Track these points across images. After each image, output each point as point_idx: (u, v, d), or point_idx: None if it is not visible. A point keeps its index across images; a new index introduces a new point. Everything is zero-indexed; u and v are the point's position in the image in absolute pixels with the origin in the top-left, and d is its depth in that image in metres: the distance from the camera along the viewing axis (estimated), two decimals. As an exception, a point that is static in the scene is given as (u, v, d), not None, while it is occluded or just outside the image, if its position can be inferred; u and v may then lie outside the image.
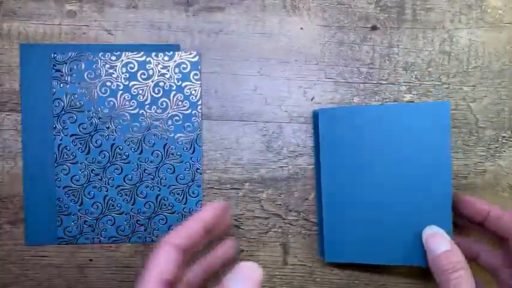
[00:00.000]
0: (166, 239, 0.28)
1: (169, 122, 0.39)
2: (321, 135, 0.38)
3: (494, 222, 0.34)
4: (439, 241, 0.33)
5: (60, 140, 0.39)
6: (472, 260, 0.36)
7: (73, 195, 0.39)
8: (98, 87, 0.39)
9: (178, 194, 0.39)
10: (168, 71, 0.39)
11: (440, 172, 0.36)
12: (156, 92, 0.39)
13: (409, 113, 0.36)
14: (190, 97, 0.39)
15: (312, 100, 0.40)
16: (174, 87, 0.39)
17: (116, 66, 0.39)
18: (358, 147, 0.37)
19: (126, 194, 0.39)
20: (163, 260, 0.27)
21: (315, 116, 0.39)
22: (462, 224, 0.37)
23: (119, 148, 0.39)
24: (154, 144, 0.39)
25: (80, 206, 0.39)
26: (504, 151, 0.40)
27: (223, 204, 0.31)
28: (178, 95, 0.39)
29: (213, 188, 0.40)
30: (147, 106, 0.39)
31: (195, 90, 0.39)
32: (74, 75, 0.39)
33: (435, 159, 0.36)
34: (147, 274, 0.26)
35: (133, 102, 0.39)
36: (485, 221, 0.34)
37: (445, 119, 0.36)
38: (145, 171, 0.39)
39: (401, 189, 0.36)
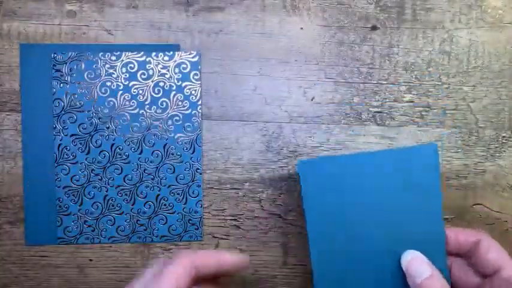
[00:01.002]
0: (186, 254, 0.28)
1: (169, 122, 0.39)
2: (303, 188, 0.35)
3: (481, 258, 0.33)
4: (419, 266, 0.33)
5: (60, 140, 0.39)
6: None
7: (73, 195, 0.39)
8: (98, 87, 0.39)
9: (178, 194, 0.39)
10: (168, 71, 0.39)
11: (432, 214, 0.34)
12: (156, 92, 0.39)
13: (395, 158, 0.34)
14: (190, 97, 0.39)
15: (312, 100, 0.40)
16: (174, 87, 0.39)
17: (116, 66, 0.39)
18: (342, 197, 0.35)
19: (126, 194, 0.39)
20: (180, 272, 0.27)
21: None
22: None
23: (119, 148, 0.39)
24: (154, 144, 0.39)
25: (80, 206, 0.39)
26: (504, 151, 0.40)
27: (245, 260, 0.31)
28: (178, 95, 0.39)
29: (213, 188, 0.40)
30: (147, 106, 0.39)
31: (195, 90, 0.39)
32: (74, 75, 0.39)
33: (425, 201, 0.34)
34: (163, 280, 0.27)
35: (133, 102, 0.39)
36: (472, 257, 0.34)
37: (433, 160, 0.34)
38: (145, 171, 0.39)
39: (392, 237, 0.34)
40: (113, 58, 0.39)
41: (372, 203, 0.34)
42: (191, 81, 0.39)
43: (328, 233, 0.35)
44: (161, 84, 0.39)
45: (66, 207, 0.39)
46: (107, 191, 0.39)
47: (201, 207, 0.40)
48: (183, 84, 0.39)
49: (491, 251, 0.32)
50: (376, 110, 0.40)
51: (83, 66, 0.39)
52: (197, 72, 0.39)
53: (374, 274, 0.35)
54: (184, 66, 0.39)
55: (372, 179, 0.34)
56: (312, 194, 0.35)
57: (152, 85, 0.39)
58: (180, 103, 0.39)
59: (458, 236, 0.34)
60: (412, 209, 0.34)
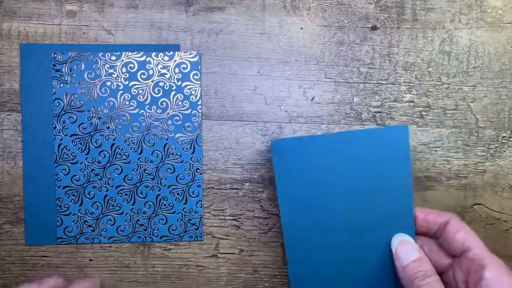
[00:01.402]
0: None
1: (169, 122, 0.39)
2: (275, 168, 0.35)
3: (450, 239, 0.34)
4: (408, 249, 0.33)
5: (60, 140, 0.39)
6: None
7: (73, 195, 0.39)
8: (98, 87, 0.39)
9: (178, 194, 0.39)
10: (168, 71, 0.39)
11: (402, 193, 0.35)
12: (156, 92, 0.39)
13: (366, 139, 0.35)
14: (190, 97, 0.39)
15: (312, 100, 0.40)
16: (174, 87, 0.39)
17: (116, 66, 0.39)
18: (314, 177, 0.35)
19: (126, 194, 0.39)
20: None
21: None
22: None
23: (119, 148, 0.39)
24: (154, 144, 0.39)
25: (80, 206, 0.39)
26: (504, 151, 0.40)
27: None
28: (178, 95, 0.39)
29: (213, 188, 0.40)
30: (147, 106, 0.39)
31: (195, 90, 0.39)
32: (74, 75, 0.39)
33: (396, 180, 0.35)
34: None
35: (133, 102, 0.39)
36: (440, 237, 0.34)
37: (404, 140, 0.34)
38: (146, 171, 0.39)
39: (363, 215, 0.35)
40: (113, 58, 0.39)
41: (343, 182, 0.35)
42: (191, 81, 0.39)
43: (300, 212, 0.35)
44: (161, 84, 0.39)
45: (66, 207, 0.39)
46: (107, 191, 0.39)
47: (201, 207, 0.40)
48: (183, 84, 0.39)
49: (459, 232, 0.33)
50: (376, 110, 0.40)
51: (83, 66, 0.39)
52: (197, 72, 0.39)
53: (344, 252, 0.35)
54: (184, 66, 0.39)
55: (343, 159, 0.35)
56: (283, 173, 0.35)
57: (152, 85, 0.39)
58: (180, 103, 0.39)
59: (428, 216, 0.35)
60: (382, 188, 0.35)
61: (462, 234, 0.33)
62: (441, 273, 0.34)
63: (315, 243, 0.35)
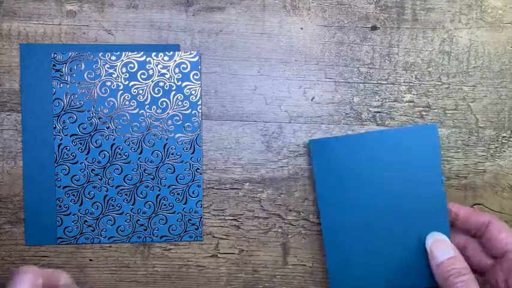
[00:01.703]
0: (27, 269, 0.30)
1: (169, 122, 0.39)
2: (314, 167, 0.38)
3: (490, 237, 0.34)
4: (443, 248, 0.34)
5: (60, 140, 0.39)
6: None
7: (73, 195, 0.39)
8: (98, 87, 0.39)
9: (178, 194, 0.39)
10: (168, 71, 0.39)
11: (434, 192, 0.36)
12: (156, 92, 0.39)
13: (398, 138, 0.37)
14: (190, 97, 0.39)
15: (312, 100, 0.40)
16: (174, 87, 0.39)
17: (116, 66, 0.39)
18: (352, 175, 0.37)
19: (126, 194, 0.39)
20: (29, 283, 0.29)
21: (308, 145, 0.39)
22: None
23: (119, 148, 0.39)
24: (154, 144, 0.39)
25: (80, 206, 0.39)
26: (504, 151, 0.40)
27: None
28: (178, 95, 0.39)
29: (213, 188, 0.40)
30: (147, 106, 0.39)
31: (195, 90, 0.39)
32: (74, 75, 0.39)
33: (428, 183, 0.36)
34: None
35: (133, 102, 0.39)
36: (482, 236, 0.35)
37: (433, 140, 0.37)
38: (146, 171, 0.39)
39: (398, 214, 0.37)
40: (113, 58, 0.39)
41: (377, 180, 0.37)
42: (191, 81, 0.39)
43: (337, 209, 0.37)
44: (161, 84, 0.39)
45: (66, 207, 0.39)
46: (107, 191, 0.39)
47: (201, 207, 0.40)
48: (183, 84, 0.39)
49: (502, 232, 0.33)
50: (376, 110, 0.40)
51: (83, 66, 0.39)
52: (197, 72, 0.39)
53: (380, 248, 0.37)
54: (184, 66, 0.39)
55: (377, 157, 0.37)
56: (322, 172, 0.37)
57: (152, 85, 0.39)
58: (180, 103, 0.39)
59: (469, 214, 0.35)
60: (415, 186, 0.37)
61: (505, 235, 0.33)
62: (483, 274, 0.34)
63: (352, 240, 0.37)
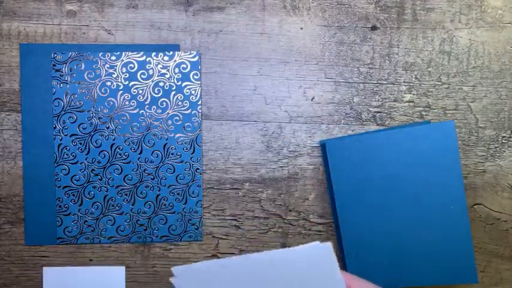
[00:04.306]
0: None
1: (169, 122, 0.39)
2: (331, 166, 0.37)
3: None
4: None
5: (60, 140, 0.39)
6: None
7: (73, 195, 0.39)
8: (97, 87, 0.39)
9: (178, 194, 0.39)
10: (168, 71, 0.39)
11: (454, 188, 0.37)
12: (156, 92, 0.39)
13: (415, 135, 0.37)
14: (190, 97, 0.39)
15: (312, 100, 0.40)
16: (174, 87, 0.39)
17: (116, 66, 0.39)
18: (370, 174, 0.37)
19: (126, 194, 0.39)
20: None
21: (323, 146, 0.39)
22: None
23: (119, 148, 0.39)
24: (154, 144, 0.39)
25: (80, 206, 0.39)
26: (504, 151, 0.40)
27: None
28: (178, 95, 0.39)
29: (213, 188, 0.40)
30: (147, 106, 0.39)
31: (195, 90, 0.39)
32: (74, 75, 0.39)
33: (447, 177, 0.37)
34: None
35: (133, 102, 0.39)
36: None
37: (451, 136, 0.37)
38: (145, 171, 0.39)
39: (417, 211, 0.37)
40: (113, 58, 0.39)
41: (396, 177, 0.37)
42: (191, 81, 0.39)
43: (355, 208, 0.37)
44: (161, 84, 0.39)
45: (66, 207, 0.39)
46: (107, 191, 0.39)
47: (201, 207, 0.40)
48: (183, 84, 0.39)
49: None
50: (376, 110, 0.40)
51: (83, 66, 0.39)
52: (197, 72, 0.39)
53: (399, 244, 0.37)
54: (184, 66, 0.39)
55: (395, 155, 0.37)
56: (339, 171, 0.37)
57: (152, 85, 0.39)
58: (180, 103, 0.39)
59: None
60: (434, 181, 0.37)
61: None
62: None
63: (372, 240, 0.37)
